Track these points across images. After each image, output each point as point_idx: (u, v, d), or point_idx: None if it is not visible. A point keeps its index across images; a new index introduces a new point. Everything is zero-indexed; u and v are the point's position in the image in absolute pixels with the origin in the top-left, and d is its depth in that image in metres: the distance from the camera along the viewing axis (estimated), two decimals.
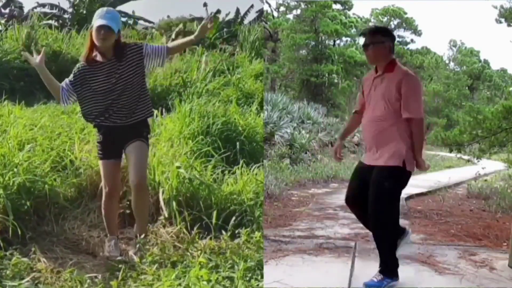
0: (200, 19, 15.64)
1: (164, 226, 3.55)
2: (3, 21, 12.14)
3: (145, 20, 16.11)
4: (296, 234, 4.56)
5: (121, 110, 3.30)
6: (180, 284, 2.68)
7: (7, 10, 14.64)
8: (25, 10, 14.64)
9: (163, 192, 3.74)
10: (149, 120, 3.55)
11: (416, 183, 7.93)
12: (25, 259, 3.01)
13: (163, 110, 5.78)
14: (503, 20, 7.76)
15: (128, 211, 3.81)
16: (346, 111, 22.72)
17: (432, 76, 30.24)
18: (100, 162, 3.39)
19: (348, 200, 3.23)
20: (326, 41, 22.51)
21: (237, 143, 4.88)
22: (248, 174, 4.11)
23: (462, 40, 40.16)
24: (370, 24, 27.53)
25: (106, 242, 3.44)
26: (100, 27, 3.15)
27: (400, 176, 2.98)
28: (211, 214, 3.54)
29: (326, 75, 22.12)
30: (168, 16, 17.36)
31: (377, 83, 3.05)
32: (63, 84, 3.31)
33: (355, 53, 22.53)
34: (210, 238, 3.36)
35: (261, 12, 15.48)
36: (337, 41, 23.68)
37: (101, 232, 3.67)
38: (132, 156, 3.28)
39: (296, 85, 22.83)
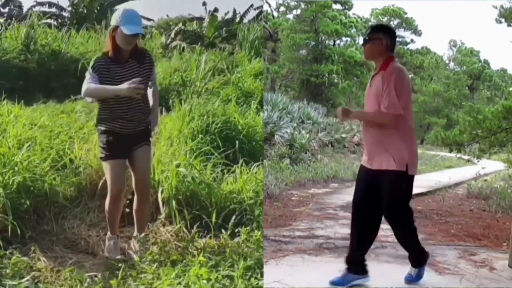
0: (199, 19, 15.65)
1: (164, 225, 3.53)
2: (2, 20, 12.13)
3: (145, 18, 16.13)
4: (296, 234, 4.56)
5: (135, 115, 3.27)
6: (180, 283, 2.67)
7: (6, 9, 14.65)
8: (24, 9, 14.66)
9: (162, 191, 3.73)
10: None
11: (416, 183, 7.89)
12: (25, 258, 3.01)
13: (163, 109, 5.78)
14: (503, 20, 7.76)
15: (127, 210, 3.81)
16: None
17: (432, 76, 30.21)
18: (106, 163, 3.27)
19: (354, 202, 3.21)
20: (326, 41, 22.48)
21: (237, 142, 4.87)
22: (247, 173, 4.11)
23: (462, 40, 40.04)
24: (370, 24, 27.52)
25: (106, 241, 3.44)
26: (135, 34, 3.13)
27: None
28: (210, 213, 3.54)
29: (326, 75, 22.10)
30: (167, 15, 17.35)
31: (373, 81, 3.05)
32: (94, 83, 3.13)
33: (355, 53, 22.50)
34: (210, 237, 3.35)
35: (260, 10, 15.48)
36: (337, 41, 23.66)
37: (100, 231, 3.66)
38: (139, 161, 3.31)
39: (296, 85, 22.81)
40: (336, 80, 22.81)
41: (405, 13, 29.78)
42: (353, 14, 25.02)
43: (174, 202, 3.60)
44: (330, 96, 22.14)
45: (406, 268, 3.32)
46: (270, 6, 23.77)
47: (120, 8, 3.27)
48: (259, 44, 12.32)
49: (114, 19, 3.14)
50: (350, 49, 22.82)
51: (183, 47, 12.54)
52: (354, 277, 3.09)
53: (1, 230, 3.26)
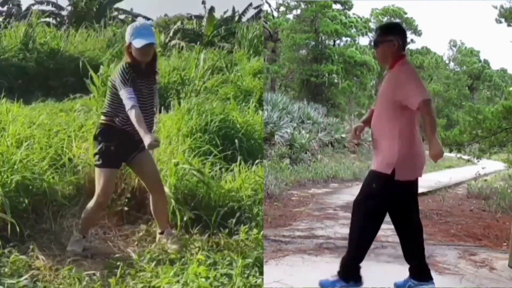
0: (198, 17, 15.65)
1: None
2: (1, 19, 12.14)
3: (143, 17, 16.15)
4: (296, 234, 4.54)
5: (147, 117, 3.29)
6: (178, 281, 2.67)
7: (5, 8, 14.64)
8: (23, 7, 14.65)
9: None
10: None
11: None
12: (23, 257, 3.01)
13: (161, 107, 5.75)
14: (503, 20, 7.77)
15: (126, 208, 3.80)
16: (346, 111, 22.72)
17: (432, 76, 30.25)
18: (100, 170, 3.25)
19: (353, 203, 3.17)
20: (326, 41, 22.46)
21: (236, 141, 4.86)
22: (246, 171, 4.09)
23: (462, 40, 40.20)
24: (370, 24, 27.51)
25: (72, 237, 3.36)
26: (146, 45, 3.15)
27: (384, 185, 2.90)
28: (209, 212, 3.52)
29: (326, 75, 22.07)
30: (166, 14, 17.36)
31: (384, 80, 3.03)
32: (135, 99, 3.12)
33: (355, 53, 22.49)
34: (209, 235, 3.34)
35: (259, 9, 15.48)
36: (337, 41, 23.61)
37: (99, 230, 3.66)
38: (147, 164, 3.37)
39: (296, 85, 22.79)
40: (336, 80, 22.78)
41: (405, 13, 29.80)
42: (353, 14, 24.97)
43: (173, 201, 3.59)
44: (330, 96, 22.11)
45: (407, 269, 3.31)
46: (270, 6, 23.78)
47: (131, 25, 3.30)
48: (258, 43, 12.33)
49: (127, 36, 3.22)
50: (350, 49, 22.78)
51: (182, 46, 12.55)
52: (344, 284, 2.98)
53: (0, 228, 3.25)
